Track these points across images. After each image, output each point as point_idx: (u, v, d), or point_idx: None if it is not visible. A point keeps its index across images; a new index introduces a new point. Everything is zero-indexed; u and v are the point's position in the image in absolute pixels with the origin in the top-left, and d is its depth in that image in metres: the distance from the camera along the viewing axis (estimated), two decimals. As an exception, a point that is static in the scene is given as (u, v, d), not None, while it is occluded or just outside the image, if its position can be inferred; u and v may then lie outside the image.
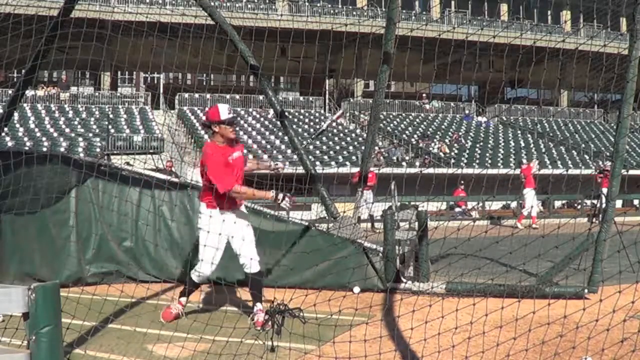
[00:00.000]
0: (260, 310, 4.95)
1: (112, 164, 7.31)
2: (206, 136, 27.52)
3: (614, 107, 32.73)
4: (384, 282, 6.27)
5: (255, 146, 26.66)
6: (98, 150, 23.26)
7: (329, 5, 33.17)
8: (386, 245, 6.32)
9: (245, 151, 5.09)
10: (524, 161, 18.45)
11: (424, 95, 35.62)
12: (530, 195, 15.69)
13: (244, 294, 5.08)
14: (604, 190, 13.16)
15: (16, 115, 20.23)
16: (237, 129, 4.85)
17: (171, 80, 34.34)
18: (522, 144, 31.30)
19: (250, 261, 4.90)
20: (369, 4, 33.08)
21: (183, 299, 5.18)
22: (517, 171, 16.71)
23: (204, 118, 5.09)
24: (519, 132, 33.45)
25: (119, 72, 33.25)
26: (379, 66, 7.07)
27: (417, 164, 26.19)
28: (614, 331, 3.71)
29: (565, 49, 23.58)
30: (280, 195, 4.78)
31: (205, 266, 4.92)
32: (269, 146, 26.67)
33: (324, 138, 28.50)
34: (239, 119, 5.00)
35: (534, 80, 34.30)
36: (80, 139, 24.69)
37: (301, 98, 34.62)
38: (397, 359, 4.04)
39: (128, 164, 7.06)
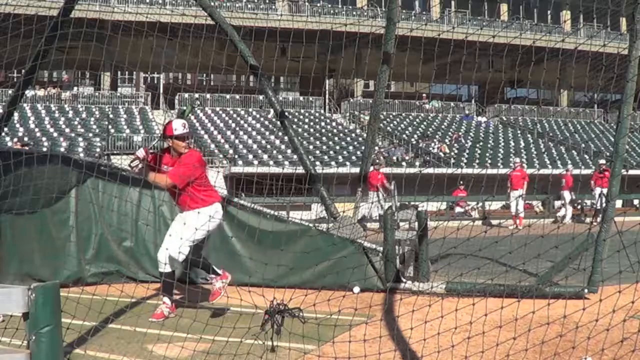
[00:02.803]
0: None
1: (112, 164, 7.31)
2: (206, 136, 27.56)
3: (614, 107, 32.72)
4: (384, 282, 6.27)
5: (255, 146, 26.67)
6: (98, 150, 23.27)
7: (329, 5, 33.17)
8: (386, 245, 6.32)
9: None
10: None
11: (424, 95, 35.62)
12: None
13: (244, 294, 5.08)
14: (604, 190, 13.19)
15: (16, 115, 20.23)
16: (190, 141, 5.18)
17: (171, 80, 34.35)
18: (522, 144, 31.30)
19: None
20: (369, 4, 33.09)
21: (166, 299, 5.24)
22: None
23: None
24: (519, 132, 33.45)
25: (119, 72, 33.25)
26: (379, 66, 7.07)
27: (417, 164, 26.18)
28: (614, 331, 3.71)
29: (565, 49, 23.58)
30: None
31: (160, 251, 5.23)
32: (269, 146, 26.67)
33: (323, 138, 28.51)
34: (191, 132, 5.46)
35: (533, 80, 34.31)
36: (80, 139, 24.70)
37: (301, 98, 34.63)
38: (396, 359, 4.04)
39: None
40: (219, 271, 5.17)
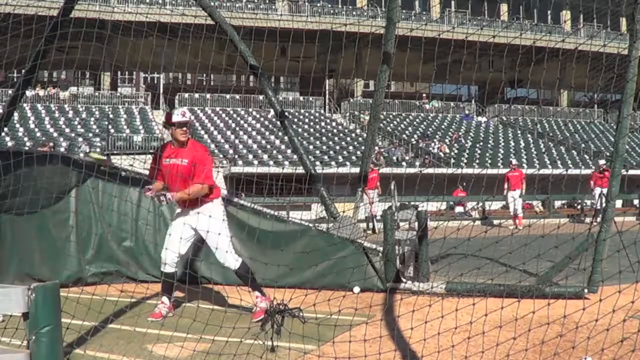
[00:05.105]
0: (259, 297, 5.06)
1: (112, 164, 7.31)
2: (206, 136, 27.55)
3: (614, 107, 32.73)
4: (384, 282, 6.27)
5: (255, 146, 26.66)
6: (98, 150, 23.26)
7: (329, 5, 33.17)
8: (386, 245, 6.32)
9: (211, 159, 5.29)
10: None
11: (424, 95, 35.61)
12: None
13: (244, 294, 5.08)
14: (604, 190, 13.21)
15: (16, 115, 20.23)
16: (190, 130, 5.13)
17: (171, 80, 34.36)
18: (522, 144, 31.30)
19: (226, 254, 5.04)
20: (369, 4, 33.09)
21: (165, 298, 5.23)
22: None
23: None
24: (519, 132, 33.45)
25: (119, 72, 33.26)
26: (379, 66, 7.07)
27: (417, 164, 26.18)
28: (614, 331, 3.71)
29: (565, 49, 23.60)
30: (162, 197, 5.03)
31: (163, 251, 5.16)
32: (269, 146, 26.67)
33: (323, 138, 28.51)
34: (191, 122, 5.31)
35: (533, 80, 34.33)
36: (80, 139, 24.70)
37: (301, 98, 34.63)
38: (397, 359, 4.04)
39: (131, 165, 7.06)
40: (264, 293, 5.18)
